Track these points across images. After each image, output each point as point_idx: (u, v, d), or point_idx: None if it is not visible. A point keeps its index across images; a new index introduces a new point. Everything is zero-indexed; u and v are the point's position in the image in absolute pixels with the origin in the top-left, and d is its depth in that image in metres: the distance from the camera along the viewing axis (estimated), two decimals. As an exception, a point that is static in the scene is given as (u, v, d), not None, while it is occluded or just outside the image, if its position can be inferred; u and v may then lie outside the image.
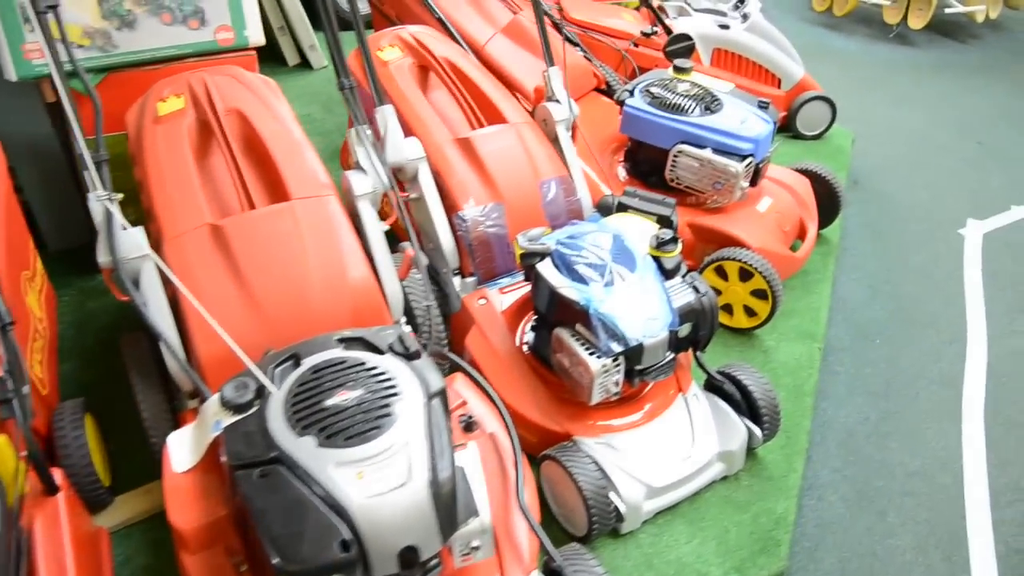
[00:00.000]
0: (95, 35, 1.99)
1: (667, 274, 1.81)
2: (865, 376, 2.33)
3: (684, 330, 1.76)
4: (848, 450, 2.09)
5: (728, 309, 2.24)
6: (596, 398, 1.69)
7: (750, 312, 2.21)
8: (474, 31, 2.54)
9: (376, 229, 1.75)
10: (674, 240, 1.86)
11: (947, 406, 2.26)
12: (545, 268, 1.84)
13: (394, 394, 1.31)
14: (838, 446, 2.10)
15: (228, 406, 1.33)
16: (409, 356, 1.42)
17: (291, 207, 1.69)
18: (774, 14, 5.17)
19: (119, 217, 1.58)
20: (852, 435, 2.14)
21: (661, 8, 3.17)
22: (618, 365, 1.66)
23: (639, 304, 1.68)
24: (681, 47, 3.01)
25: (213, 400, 1.36)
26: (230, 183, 1.78)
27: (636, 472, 1.68)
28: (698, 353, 1.88)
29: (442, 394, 1.37)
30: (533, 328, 1.91)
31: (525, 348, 1.89)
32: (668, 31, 3.00)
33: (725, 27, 3.09)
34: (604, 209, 2.31)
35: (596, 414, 1.77)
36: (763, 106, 2.39)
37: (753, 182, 2.36)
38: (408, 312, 1.81)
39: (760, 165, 2.33)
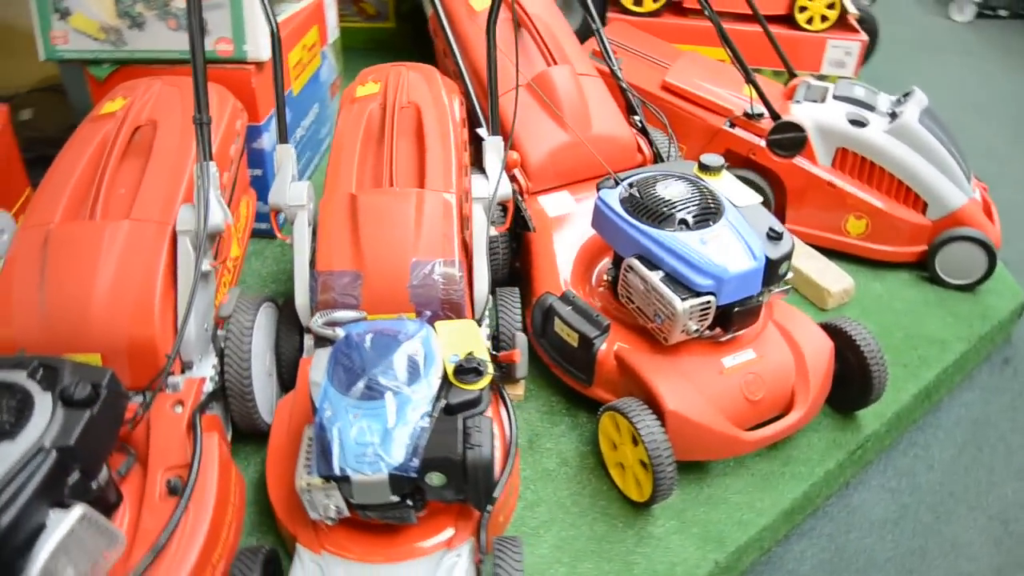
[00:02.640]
0: (109, 31, 2.20)
1: (449, 408, 1.52)
2: (788, 624, 1.74)
3: (435, 480, 1.47)
4: None
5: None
6: (311, 514, 1.49)
7: (638, 483, 1.76)
8: (501, 78, 2.31)
9: (188, 268, 1.71)
10: (476, 372, 1.55)
11: None
12: (319, 357, 1.65)
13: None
14: None
15: None
16: (71, 403, 1.39)
17: (116, 226, 1.72)
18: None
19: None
20: None
21: (789, 91, 2.59)
22: (333, 488, 1.45)
23: (372, 432, 1.44)
24: (785, 138, 2.44)
25: None
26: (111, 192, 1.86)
27: (324, 612, 1.46)
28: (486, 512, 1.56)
29: (64, 451, 1.32)
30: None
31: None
32: (774, 116, 2.45)
33: (860, 123, 2.43)
34: (538, 308, 2.01)
35: (336, 529, 1.56)
36: (773, 236, 1.85)
37: (724, 327, 1.86)
38: None
39: (736, 310, 1.82)
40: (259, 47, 2.22)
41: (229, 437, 1.85)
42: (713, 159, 2.02)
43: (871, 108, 2.47)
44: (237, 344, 1.78)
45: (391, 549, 1.54)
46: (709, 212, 1.88)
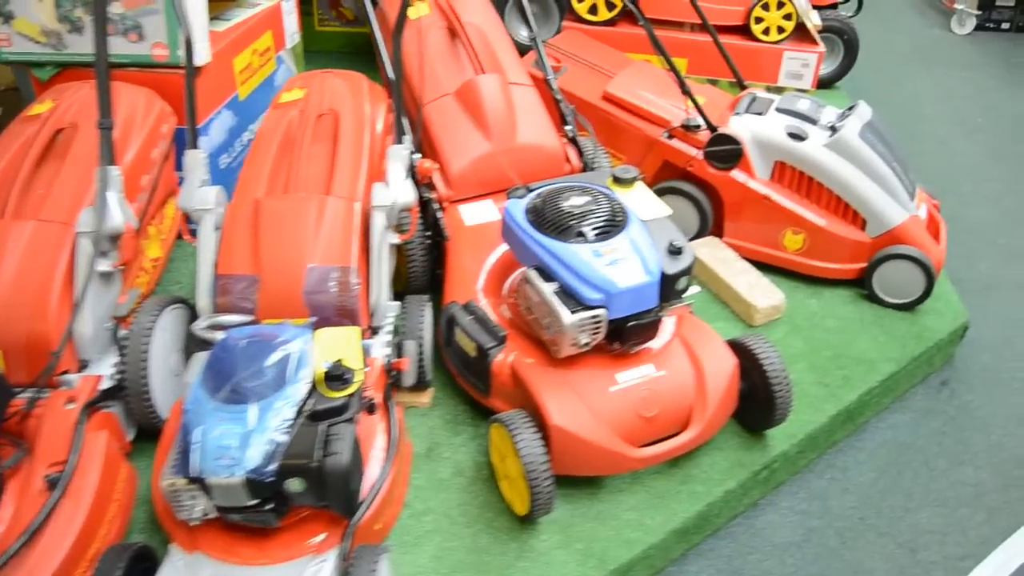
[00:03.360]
0: (50, 35, 2.26)
1: (314, 415, 1.53)
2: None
3: (295, 485, 1.48)
4: None
5: (515, 480, 1.80)
6: (178, 514, 1.52)
7: (522, 496, 1.75)
8: (427, 86, 2.32)
9: (85, 269, 1.76)
10: (342, 379, 1.57)
11: None
12: (198, 360, 1.68)
13: None
14: None
15: None
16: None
17: (22, 226, 1.78)
18: None
19: None
20: None
21: (734, 103, 2.55)
22: (197, 488, 1.48)
23: (232, 435, 1.46)
24: (721, 151, 2.41)
25: None
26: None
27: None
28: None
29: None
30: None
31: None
32: (711, 128, 2.41)
33: (799, 137, 2.38)
34: (444, 316, 2.02)
35: (212, 529, 1.57)
36: (673, 251, 1.83)
37: (620, 341, 1.84)
38: None
39: (631, 324, 1.80)
40: (194, 52, 2.26)
41: (131, 436, 1.89)
42: (626, 171, 2.00)
43: (813, 122, 2.42)
44: (135, 344, 1.81)
45: (261, 552, 1.56)
46: (611, 225, 1.87)
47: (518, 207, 1.95)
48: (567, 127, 2.37)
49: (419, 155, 2.19)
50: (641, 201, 1.97)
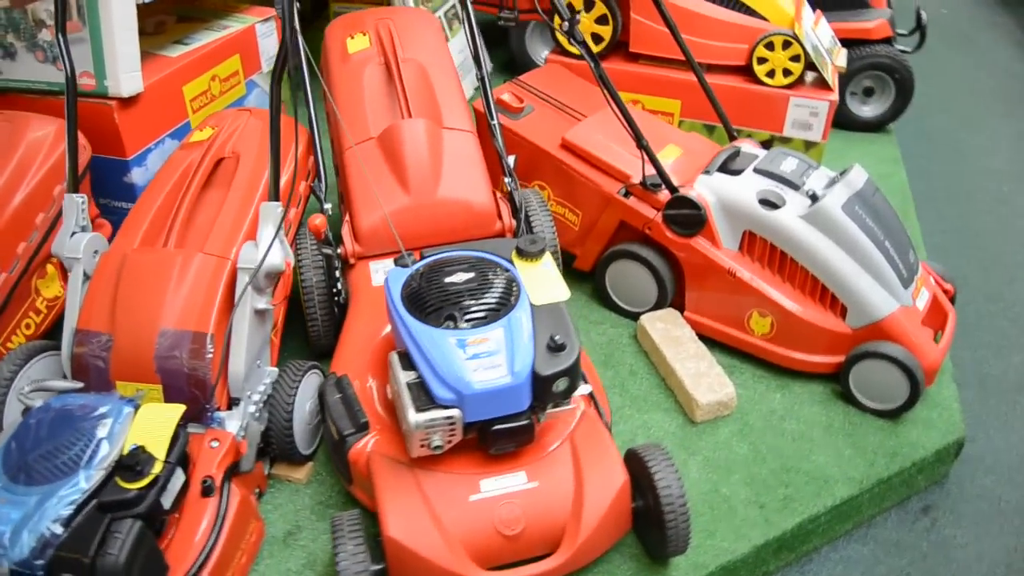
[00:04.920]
0: (-16, 60, 2.24)
1: (103, 506, 1.40)
2: None
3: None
4: None
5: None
6: None
7: (352, 612, 1.54)
8: (352, 129, 2.12)
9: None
10: (134, 469, 1.43)
11: None
12: (9, 429, 1.57)
13: None
14: None
15: None
16: None
17: None
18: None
19: None
20: None
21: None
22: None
23: (7, 520, 1.38)
24: (680, 215, 2.10)
25: None
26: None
27: None
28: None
29: None
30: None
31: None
32: (670, 188, 2.11)
33: (772, 204, 2.04)
34: (320, 391, 1.85)
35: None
36: (555, 347, 1.57)
37: (488, 445, 1.60)
38: None
39: (497, 428, 1.56)
40: (120, 82, 2.17)
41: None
42: (532, 242, 1.75)
43: (796, 187, 2.07)
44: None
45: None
46: (491, 310, 1.63)
47: (398, 279, 1.74)
48: (507, 179, 2.13)
49: (328, 205, 2.03)
50: (541, 280, 1.72)
